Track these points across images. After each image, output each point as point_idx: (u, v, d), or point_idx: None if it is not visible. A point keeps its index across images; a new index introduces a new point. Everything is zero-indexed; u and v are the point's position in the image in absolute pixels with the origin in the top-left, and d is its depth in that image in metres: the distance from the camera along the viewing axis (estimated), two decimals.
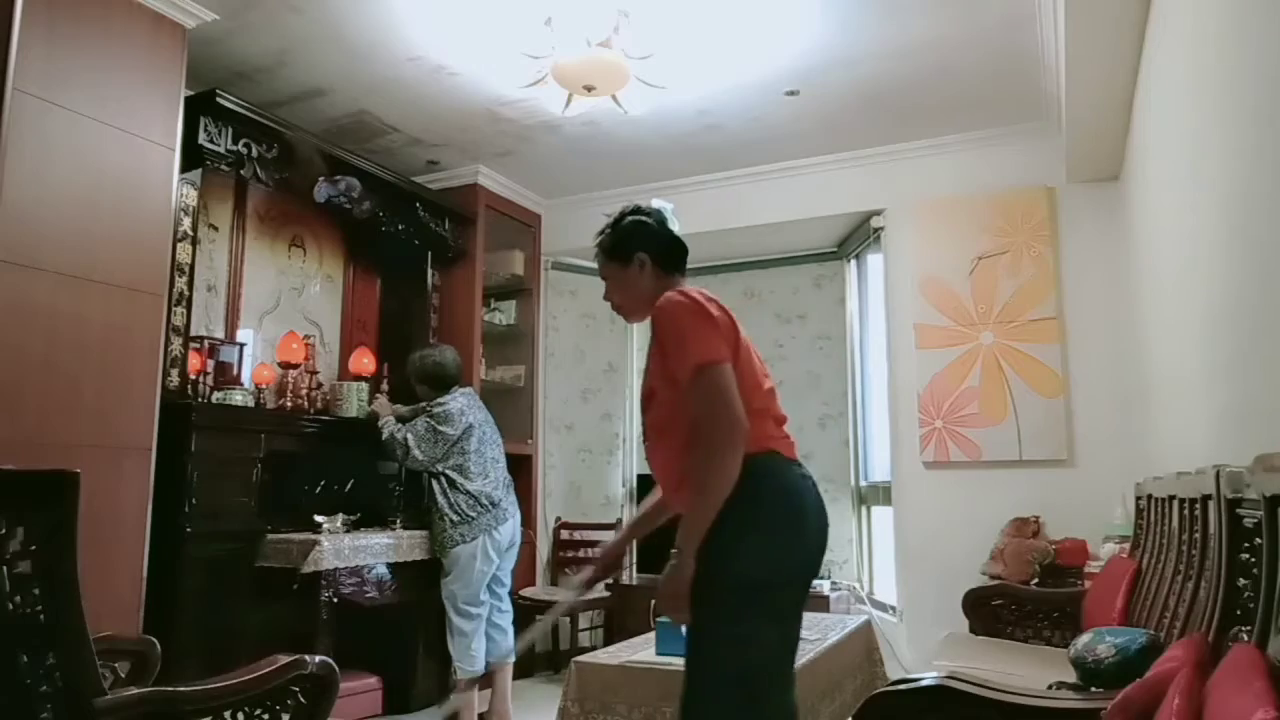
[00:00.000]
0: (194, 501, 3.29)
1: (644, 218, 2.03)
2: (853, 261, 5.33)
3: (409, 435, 3.67)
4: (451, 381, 3.85)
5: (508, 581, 3.88)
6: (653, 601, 3.11)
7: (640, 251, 1.99)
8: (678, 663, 2.68)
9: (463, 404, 3.79)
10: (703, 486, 1.69)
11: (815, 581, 5.01)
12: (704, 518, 1.68)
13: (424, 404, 3.83)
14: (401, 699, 3.94)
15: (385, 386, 4.23)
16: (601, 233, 2.07)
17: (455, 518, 3.65)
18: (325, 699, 1.76)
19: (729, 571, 1.69)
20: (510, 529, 3.75)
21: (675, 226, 2.04)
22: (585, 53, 3.22)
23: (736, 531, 1.70)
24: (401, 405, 3.99)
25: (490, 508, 3.68)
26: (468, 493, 3.66)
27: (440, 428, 3.67)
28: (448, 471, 3.68)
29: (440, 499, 3.68)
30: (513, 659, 3.84)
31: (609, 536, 5.23)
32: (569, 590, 2.21)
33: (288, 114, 4.02)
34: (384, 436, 3.72)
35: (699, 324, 1.77)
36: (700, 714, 1.72)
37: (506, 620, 3.84)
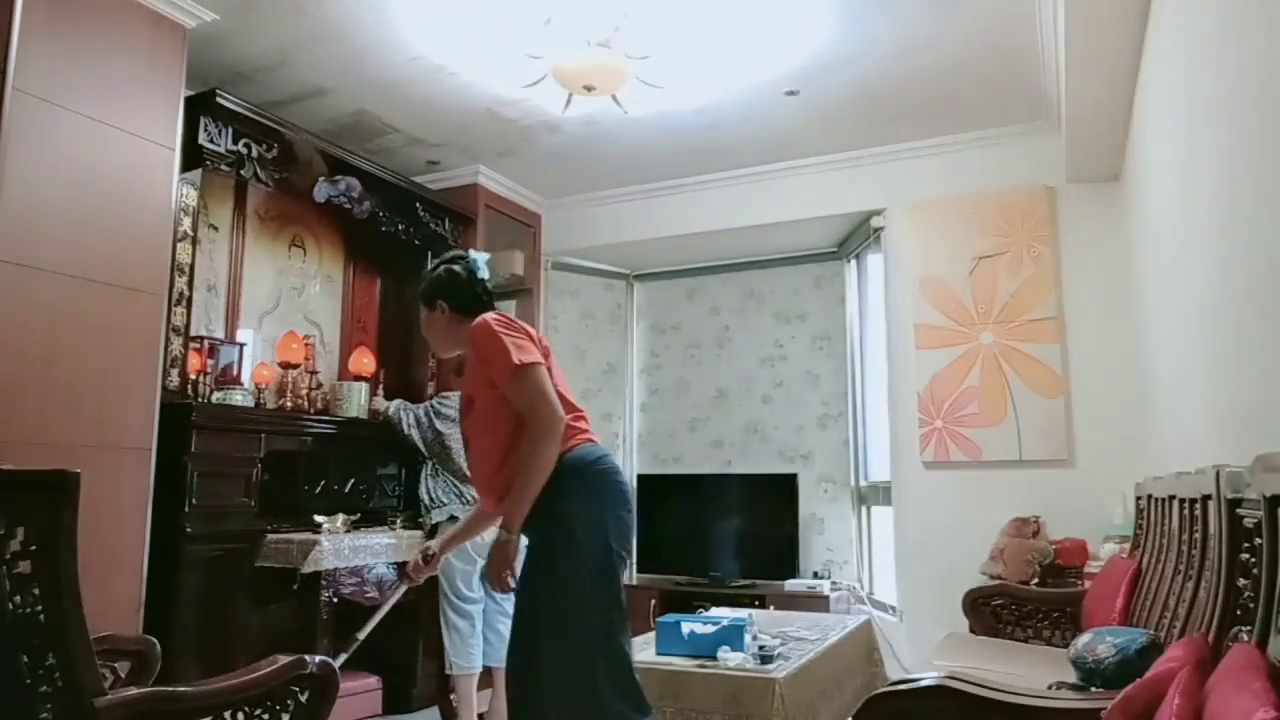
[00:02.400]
0: (194, 501, 3.29)
1: (455, 267, 2.30)
2: (853, 261, 5.33)
3: (410, 414, 3.89)
4: None
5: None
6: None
7: (441, 300, 2.27)
8: (678, 662, 2.69)
9: None
10: (528, 467, 1.98)
11: (812, 583, 5.03)
12: (528, 495, 1.97)
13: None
14: (401, 699, 3.94)
15: (380, 391, 4.29)
16: (424, 275, 2.37)
17: (428, 501, 3.80)
18: (325, 699, 1.76)
19: (586, 546, 1.98)
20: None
21: (484, 275, 2.31)
22: (585, 53, 3.22)
23: (589, 511, 2.00)
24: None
25: (472, 503, 3.70)
26: (445, 483, 3.79)
27: (435, 420, 3.83)
28: (434, 460, 3.84)
29: (421, 485, 3.85)
30: None
31: None
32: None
33: (288, 114, 4.02)
34: (391, 411, 3.95)
35: (514, 335, 2.08)
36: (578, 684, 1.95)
37: (508, 626, 3.83)
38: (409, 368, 4.71)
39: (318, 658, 1.76)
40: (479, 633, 3.68)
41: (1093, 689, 1.89)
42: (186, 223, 3.48)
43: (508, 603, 3.85)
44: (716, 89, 3.99)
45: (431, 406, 3.89)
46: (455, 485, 3.76)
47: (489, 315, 2.15)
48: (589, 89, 3.31)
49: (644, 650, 2.84)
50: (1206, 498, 1.66)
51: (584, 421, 2.17)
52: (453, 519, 3.68)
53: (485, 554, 3.66)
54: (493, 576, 2.04)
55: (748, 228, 5.10)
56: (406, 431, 3.85)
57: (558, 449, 2.00)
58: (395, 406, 3.96)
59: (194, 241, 3.54)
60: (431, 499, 3.78)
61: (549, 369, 2.11)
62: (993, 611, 3.36)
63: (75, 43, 2.81)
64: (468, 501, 3.72)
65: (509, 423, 2.05)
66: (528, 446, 1.99)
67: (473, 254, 2.36)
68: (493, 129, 4.42)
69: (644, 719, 1.98)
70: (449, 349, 2.38)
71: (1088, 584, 3.31)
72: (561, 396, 2.08)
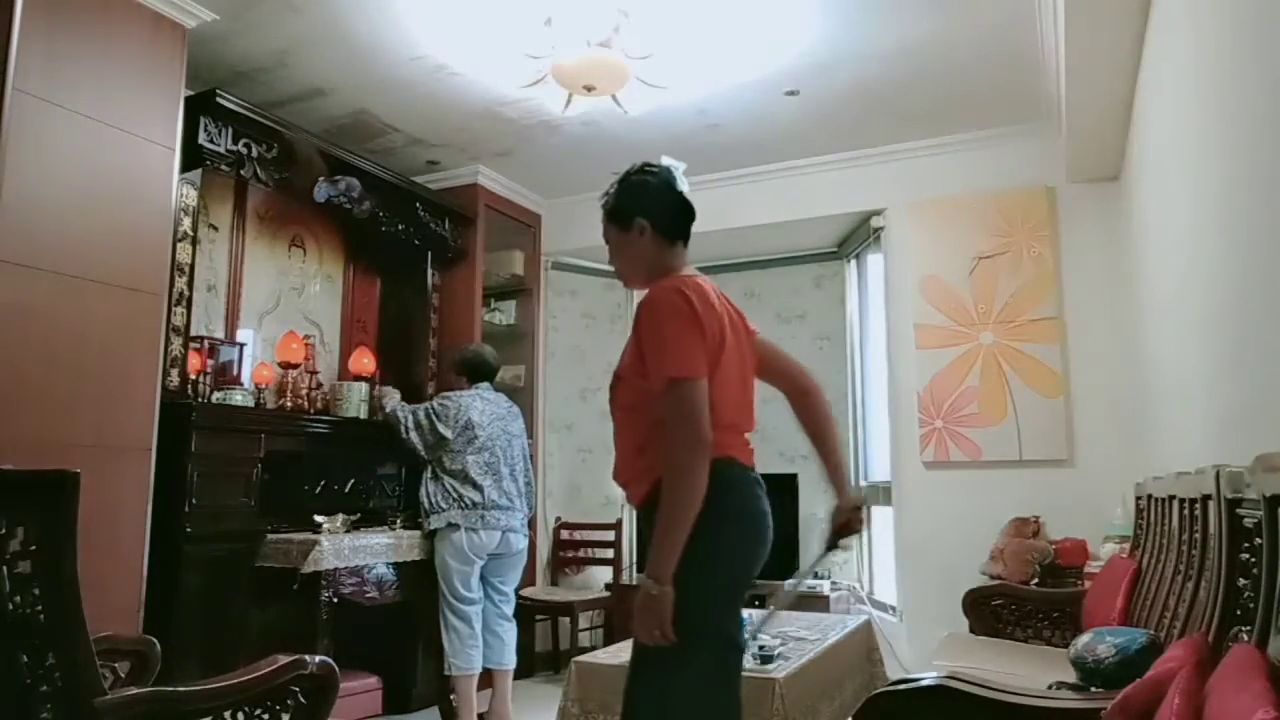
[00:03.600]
0: (194, 501, 3.28)
1: (649, 177, 1.95)
2: (853, 261, 5.33)
3: (409, 417, 3.80)
4: (484, 374, 3.93)
5: (509, 589, 3.86)
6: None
7: (640, 216, 1.92)
8: None
9: (469, 404, 3.78)
10: (673, 506, 1.66)
11: (811, 582, 5.02)
12: (677, 539, 1.65)
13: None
14: (401, 699, 3.94)
15: (378, 391, 4.28)
16: (607, 192, 2.00)
17: (428, 505, 3.73)
18: (325, 699, 1.76)
19: (692, 585, 1.66)
20: (496, 538, 3.72)
21: (683, 187, 1.95)
22: (585, 53, 3.22)
23: (706, 540, 1.68)
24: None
25: (470, 507, 3.66)
26: (444, 486, 3.71)
27: (436, 422, 3.75)
28: (434, 463, 3.78)
29: (422, 487, 3.79)
30: (512, 666, 3.83)
31: (609, 536, 5.24)
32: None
33: (288, 114, 4.02)
34: (388, 409, 3.89)
35: (682, 331, 1.73)
36: None
37: (507, 630, 3.82)
38: (409, 368, 4.71)
39: (318, 658, 1.76)
40: (478, 634, 3.68)
41: (1093, 689, 1.89)
42: (186, 223, 3.48)
43: (506, 604, 3.85)
44: (716, 89, 3.99)
45: (432, 409, 3.80)
46: (455, 489, 3.69)
47: (668, 287, 1.79)
48: (589, 89, 3.31)
49: None
50: (1206, 498, 1.66)
51: (733, 432, 1.82)
52: (451, 526, 3.66)
53: (484, 555, 3.70)
54: (640, 632, 1.68)
55: (748, 228, 5.09)
56: (405, 435, 3.77)
57: (703, 478, 1.67)
58: (393, 406, 3.89)
59: (194, 241, 3.54)
60: (431, 504, 3.72)
61: (724, 361, 1.79)
62: (993, 611, 3.36)
63: (75, 43, 2.81)
64: (467, 505, 3.67)
65: (649, 418, 1.79)
66: (669, 481, 1.67)
67: (666, 160, 1.99)
68: (493, 129, 4.42)
69: None
70: (643, 280, 1.94)
71: (1088, 584, 3.31)
72: (719, 402, 1.76)
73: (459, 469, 3.72)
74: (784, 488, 5.20)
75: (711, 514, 1.69)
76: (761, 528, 1.83)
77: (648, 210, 1.92)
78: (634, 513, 1.84)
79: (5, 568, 1.45)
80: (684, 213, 1.96)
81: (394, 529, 3.94)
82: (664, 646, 1.65)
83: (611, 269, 2.10)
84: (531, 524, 4.05)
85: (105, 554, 2.74)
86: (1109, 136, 3.75)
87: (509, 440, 3.86)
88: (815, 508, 5.31)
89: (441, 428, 3.74)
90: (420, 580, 3.85)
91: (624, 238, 1.95)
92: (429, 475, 3.78)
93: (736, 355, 1.87)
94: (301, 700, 1.72)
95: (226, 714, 1.61)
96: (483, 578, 3.75)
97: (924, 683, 1.57)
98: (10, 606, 1.44)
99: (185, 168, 3.31)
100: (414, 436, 3.77)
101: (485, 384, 3.92)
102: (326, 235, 4.66)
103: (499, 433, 3.83)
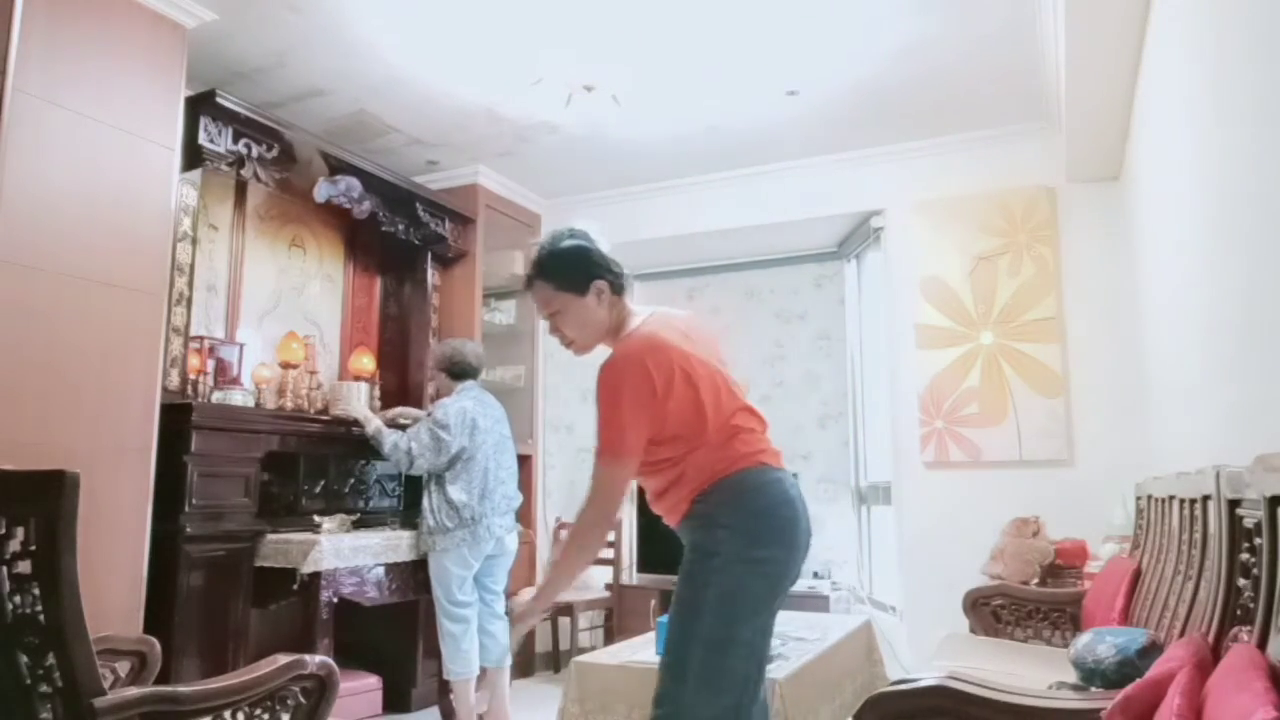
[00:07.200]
0: (194, 501, 3.28)
1: (582, 241, 1.94)
2: (853, 261, 5.33)
3: (413, 444, 3.61)
4: (469, 372, 3.82)
5: (499, 588, 3.84)
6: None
7: (597, 279, 1.91)
8: None
9: (466, 405, 3.70)
10: (565, 563, 1.93)
11: (812, 583, 5.00)
12: (562, 578, 1.95)
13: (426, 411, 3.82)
14: (401, 699, 3.95)
15: (378, 392, 4.24)
16: (540, 259, 1.94)
17: (432, 523, 3.61)
18: (325, 699, 1.76)
19: (716, 586, 1.82)
20: (492, 546, 3.67)
21: (606, 247, 1.97)
22: (585, 53, 3.22)
23: (731, 549, 1.83)
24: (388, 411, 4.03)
25: (470, 522, 3.58)
26: (449, 502, 3.59)
27: (443, 435, 3.60)
28: (439, 473, 3.67)
29: (425, 500, 3.67)
30: (508, 663, 3.81)
31: (609, 536, 5.23)
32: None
33: (287, 114, 4.02)
34: (386, 449, 3.68)
35: (625, 409, 1.80)
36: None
37: (499, 627, 3.80)
38: (407, 369, 4.71)
39: (318, 658, 1.76)
40: (473, 636, 3.66)
41: (1093, 689, 1.88)
42: (186, 223, 3.48)
43: (497, 603, 3.84)
44: (717, 89, 3.99)
45: (434, 424, 3.63)
46: (461, 502, 3.58)
47: (632, 352, 1.84)
48: (589, 88, 3.32)
49: (643, 650, 2.84)
50: (1206, 498, 1.66)
51: (747, 438, 1.88)
52: (457, 543, 3.61)
53: (480, 559, 3.68)
54: (516, 618, 2.00)
55: (748, 228, 5.10)
56: (411, 465, 3.63)
57: (596, 550, 1.95)
58: (390, 441, 3.67)
59: (194, 241, 3.54)
60: (436, 521, 3.59)
61: (702, 375, 1.86)
62: (993, 611, 3.36)
63: (75, 43, 2.81)
64: (471, 519, 3.59)
65: (656, 464, 1.89)
66: (571, 536, 1.90)
67: (580, 223, 1.99)
68: (492, 129, 4.42)
69: None
70: (601, 341, 1.98)
71: (1088, 584, 3.31)
72: (718, 408, 1.86)
73: (466, 477, 3.63)
74: None
75: (746, 518, 1.83)
76: (792, 529, 1.90)
77: (603, 270, 1.93)
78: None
79: (5, 568, 1.45)
80: (621, 268, 1.99)
81: (393, 529, 3.94)
82: (681, 640, 1.83)
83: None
84: (530, 523, 4.04)
85: (105, 554, 2.74)
86: (1109, 136, 3.75)
87: (502, 441, 3.81)
88: (814, 507, 5.30)
89: (450, 439, 3.59)
90: (420, 580, 3.85)
91: (582, 303, 1.92)
92: (433, 488, 3.66)
93: (709, 372, 1.92)
94: (301, 700, 1.73)
95: (226, 714, 1.61)
96: (475, 578, 3.73)
97: (924, 683, 1.57)
98: (10, 606, 1.44)
99: (185, 168, 3.31)
100: (423, 462, 3.60)
101: (471, 381, 3.82)
102: (326, 235, 4.66)
103: (498, 436, 3.79)
